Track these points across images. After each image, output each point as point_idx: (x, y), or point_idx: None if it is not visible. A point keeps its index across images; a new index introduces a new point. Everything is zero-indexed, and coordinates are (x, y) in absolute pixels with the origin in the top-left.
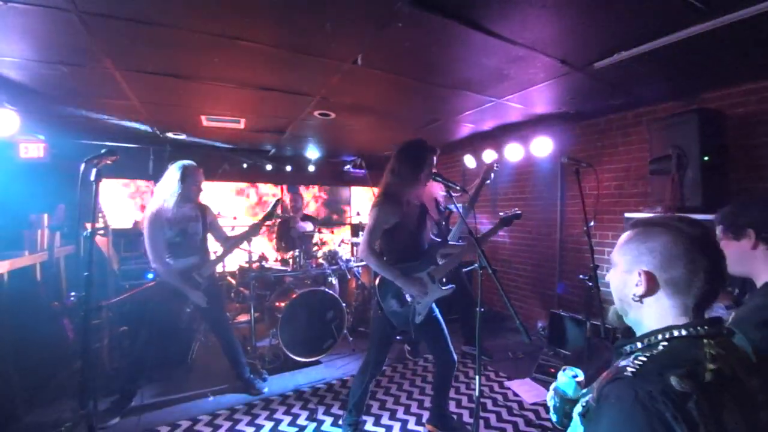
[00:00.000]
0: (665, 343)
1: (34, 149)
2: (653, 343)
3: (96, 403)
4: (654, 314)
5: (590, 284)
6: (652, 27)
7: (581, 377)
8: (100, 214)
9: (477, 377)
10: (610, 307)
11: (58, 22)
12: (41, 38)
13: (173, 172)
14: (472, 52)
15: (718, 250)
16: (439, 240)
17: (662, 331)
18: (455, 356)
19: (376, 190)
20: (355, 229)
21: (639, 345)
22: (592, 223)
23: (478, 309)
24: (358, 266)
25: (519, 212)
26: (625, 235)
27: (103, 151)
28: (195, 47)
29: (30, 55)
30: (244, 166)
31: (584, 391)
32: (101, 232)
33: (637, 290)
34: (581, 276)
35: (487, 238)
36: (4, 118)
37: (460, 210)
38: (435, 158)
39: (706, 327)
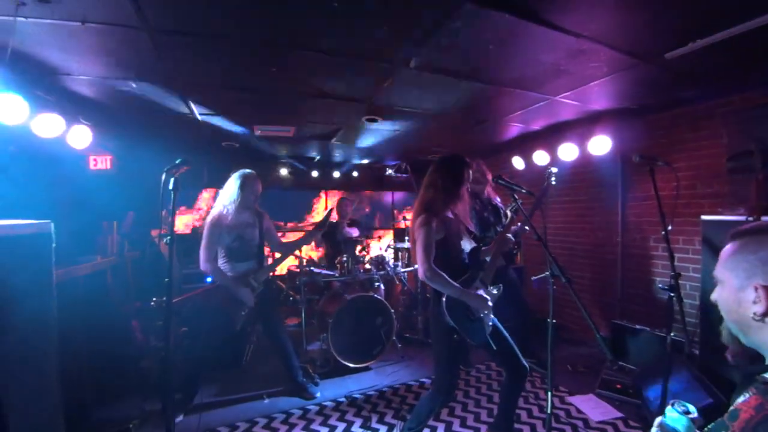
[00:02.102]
0: None
1: (102, 161)
2: None
3: (166, 401)
4: None
5: (671, 294)
6: (730, 11)
7: (694, 413)
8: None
9: (548, 394)
10: (722, 327)
11: (131, 41)
12: (114, 56)
13: (233, 181)
14: (530, 48)
15: None
16: (474, 246)
17: None
18: (526, 363)
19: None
20: (400, 234)
21: None
22: (669, 227)
23: (550, 321)
24: (404, 271)
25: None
26: (728, 248)
27: (178, 161)
28: (257, 59)
29: (102, 72)
30: (287, 172)
31: (708, 429)
32: (167, 238)
33: (756, 308)
34: (660, 286)
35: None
36: (79, 133)
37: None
38: (471, 172)
39: None
